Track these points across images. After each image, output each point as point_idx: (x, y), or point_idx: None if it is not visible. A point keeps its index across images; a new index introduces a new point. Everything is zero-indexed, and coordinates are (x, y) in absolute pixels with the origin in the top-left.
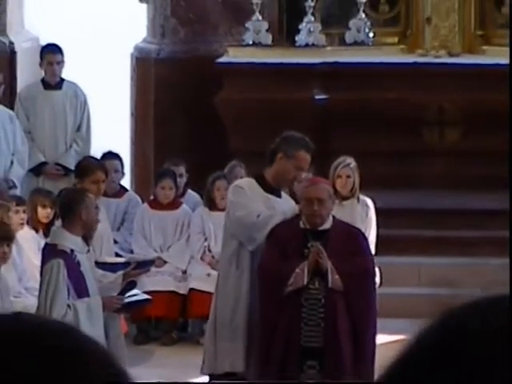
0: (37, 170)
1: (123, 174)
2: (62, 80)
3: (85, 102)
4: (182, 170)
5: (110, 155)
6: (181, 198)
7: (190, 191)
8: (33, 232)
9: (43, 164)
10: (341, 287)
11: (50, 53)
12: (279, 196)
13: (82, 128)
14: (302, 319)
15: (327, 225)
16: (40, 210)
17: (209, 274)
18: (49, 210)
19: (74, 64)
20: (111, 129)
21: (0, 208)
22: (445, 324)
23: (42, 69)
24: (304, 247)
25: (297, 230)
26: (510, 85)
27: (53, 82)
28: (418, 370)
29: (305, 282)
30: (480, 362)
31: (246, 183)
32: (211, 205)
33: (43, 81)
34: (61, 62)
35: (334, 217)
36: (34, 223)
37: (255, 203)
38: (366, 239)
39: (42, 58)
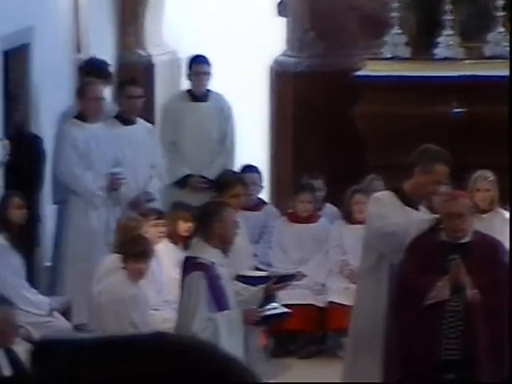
0: (182, 183)
1: (262, 187)
2: (209, 91)
3: (230, 115)
4: (320, 183)
5: (249, 168)
6: (319, 211)
7: (328, 204)
8: (172, 245)
9: (188, 176)
10: (479, 301)
11: (198, 63)
12: (417, 209)
13: (226, 140)
14: (441, 332)
15: (468, 237)
16: (181, 223)
17: (347, 288)
18: (190, 224)
19: (214, 76)
20: (250, 142)
21: (133, 221)
22: None
23: (189, 79)
24: (445, 260)
25: (438, 242)
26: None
27: (200, 93)
28: None
29: (446, 296)
30: None
31: (386, 195)
32: (349, 218)
33: (189, 92)
34: (208, 73)
35: (475, 230)
36: (175, 237)
37: (394, 214)
38: (505, 251)
39: (189, 68)
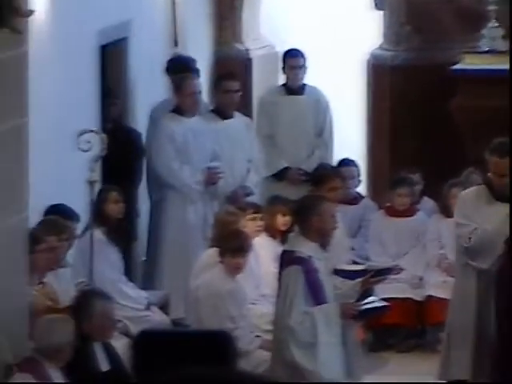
0: (279, 176)
1: (359, 180)
2: (304, 85)
3: (327, 107)
4: (417, 177)
5: (347, 162)
6: (416, 205)
7: (425, 198)
8: (270, 239)
9: (286, 169)
10: None
11: (293, 57)
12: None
13: (324, 133)
14: None
15: None
16: (279, 217)
17: (445, 281)
18: (287, 218)
19: (311, 70)
20: (348, 135)
21: (232, 216)
22: None
23: (285, 73)
24: None
25: None
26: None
27: (295, 87)
28: None
29: None
30: None
31: (473, 192)
32: (447, 212)
33: (285, 86)
34: (303, 67)
35: None
36: (272, 231)
37: (478, 214)
38: None
39: (284, 62)
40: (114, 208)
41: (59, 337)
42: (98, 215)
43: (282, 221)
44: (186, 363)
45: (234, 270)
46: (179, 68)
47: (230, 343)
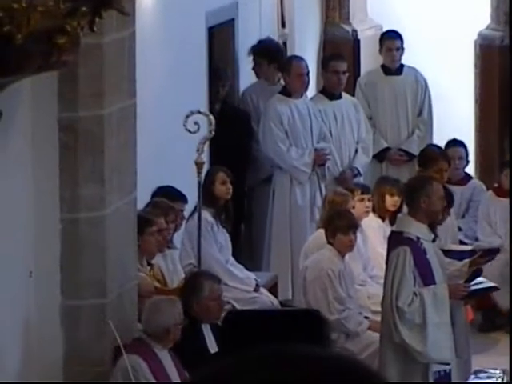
0: (380, 156)
1: (468, 161)
2: (402, 66)
3: (425, 87)
4: None
5: (455, 143)
6: None
7: None
8: (379, 220)
9: (386, 150)
10: None
11: (390, 39)
12: None
13: (423, 113)
14: None
15: None
16: (388, 198)
17: None
18: (396, 198)
19: (418, 51)
20: (456, 116)
21: (341, 196)
22: None
23: (382, 55)
24: None
25: None
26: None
27: (392, 68)
28: None
29: None
30: None
31: None
32: None
33: (383, 66)
34: (400, 48)
35: None
36: (381, 211)
37: None
38: None
39: (381, 44)
40: (222, 189)
41: (166, 318)
42: (206, 196)
43: (391, 201)
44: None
45: (346, 247)
46: (260, 53)
47: (322, 322)
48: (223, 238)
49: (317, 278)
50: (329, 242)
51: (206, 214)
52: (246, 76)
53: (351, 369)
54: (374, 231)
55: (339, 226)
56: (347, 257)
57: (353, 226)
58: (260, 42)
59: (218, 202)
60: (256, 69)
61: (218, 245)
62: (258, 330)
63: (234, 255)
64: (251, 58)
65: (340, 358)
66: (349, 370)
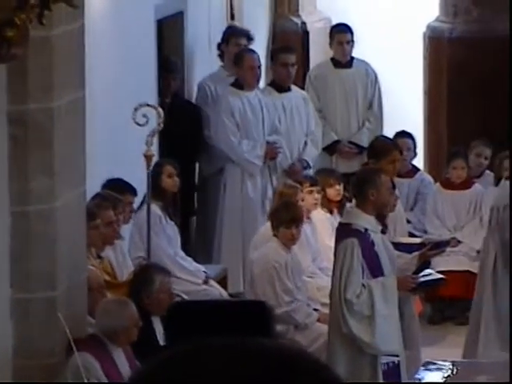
0: (330, 149)
1: (415, 153)
2: (352, 59)
3: (375, 80)
4: (488, 152)
5: (402, 134)
6: (479, 178)
7: (487, 172)
8: (326, 213)
9: (336, 142)
10: None
11: (340, 32)
12: None
13: (373, 106)
14: None
15: None
16: (328, 190)
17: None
18: (337, 187)
19: (367, 43)
20: (405, 108)
21: (291, 189)
22: None
23: (332, 48)
24: None
25: None
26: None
27: (343, 61)
28: None
29: None
30: None
31: None
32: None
33: (333, 60)
34: (350, 42)
35: None
36: (326, 203)
37: None
38: None
39: (331, 37)
40: (169, 182)
41: (118, 321)
42: (154, 189)
43: (333, 192)
44: (220, 333)
45: (289, 241)
46: (231, 34)
47: (267, 313)
48: (172, 230)
49: (263, 270)
50: (274, 235)
51: (154, 207)
52: (199, 68)
53: (298, 360)
54: (322, 224)
55: (282, 219)
56: (296, 248)
57: (296, 219)
58: (228, 29)
59: (166, 194)
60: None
61: (167, 237)
62: (202, 321)
63: (185, 247)
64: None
65: (285, 349)
66: (296, 361)
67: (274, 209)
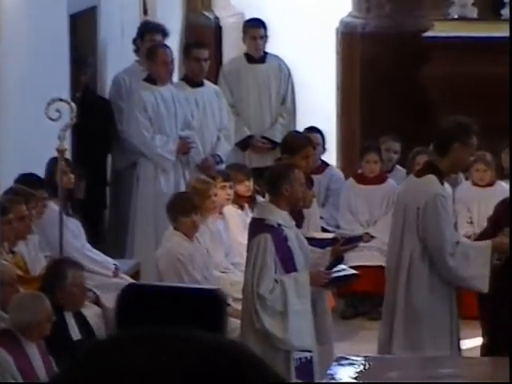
0: (243, 144)
1: (324, 149)
2: (266, 54)
3: (288, 75)
4: (397, 146)
5: (311, 129)
6: (389, 173)
7: (397, 166)
8: (237, 209)
9: (249, 138)
10: None
11: (253, 27)
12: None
13: (286, 101)
14: None
15: None
16: (238, 186)
17: None
18: (247, 183)
19: (281, 38)
20: (318, 103)
21: (204, 184)
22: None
23: (245, 43)
24: None
25: None
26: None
27: (256, 56)
28: None
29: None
30: None
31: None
32: None
33: (246, 55)
34: (263, 37)
35: None
36: (236, 199)
37: None
38: None
39: (245, 32)
40: (64, 179)
41: (32, 315)
42: (50, 186)
43: (243, 187)
44: (174, 319)
45: (191, 229)
46: (147, 30)
47: (219, 302)
48: (74, 225)
49: (169, 265)
50: (175, 228)
51: (52, 204)
52: (111, 62)
53: (242, 358)
54: (234, 219)
55: (179, 209)
56: (208, 243)
57: (193, 206)
58: (143, 24)
59: (64, 191)
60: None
61: (71, 232)
62: (155, 305)
63: (97, 241)
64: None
65: (228, 345)
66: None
67: (169, 202)
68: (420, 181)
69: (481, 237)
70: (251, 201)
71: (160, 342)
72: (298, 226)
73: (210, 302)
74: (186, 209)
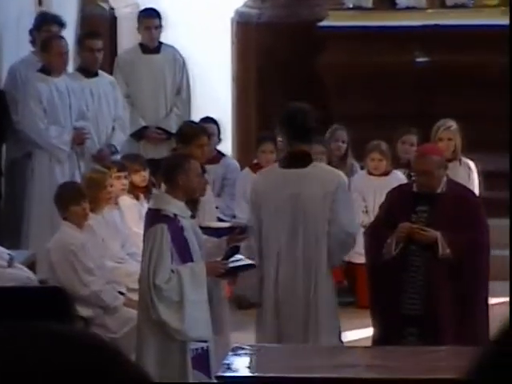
0: (138, 135)
1: (220, 139)
2: (161, 44)
3: (183, 65)
4: None
5: (206, 119)
6: None
7: None
8: (133, 200)
9: (144, 128)
10: (450, 259)
11: (148, 17)
12: None
13: (181, 91)
14: (402, 287)
15: (440, 189)
16: (133, 175)
17: None
18: (142, 173)
19: (176, 28)
20: (214, 93)
21: (99, 174)
22: None
23: (140, 33)
24: (412, 211)
25: (409, 193)
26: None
27: (151, 47)
28: None
29: (393, 253)
30: None
31: None
32: None
33: (141, 45)
34: (158, 27)
35: (449, 179)
36: (131, 189)
37: None
38: (478, 203)
39: (139, 22)
40: None
41: None
42: None
43: (138, 178)
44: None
45: (82, 217)
46: (47, 24)
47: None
48: None
49: (61, 256)
50: (64, 218)
51: None
52: (6, 53)
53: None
54: (129, 210)
55: (68, 198)
56: (104, 233)
57: (82, 194)
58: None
59: None
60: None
61: None
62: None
63: None
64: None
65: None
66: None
67: (56, 193)
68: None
69: (373, 223)
70: (147, 191)
71: (9, 337)
72: (194, 216)
73: (54, 300)
74: (75, 197)
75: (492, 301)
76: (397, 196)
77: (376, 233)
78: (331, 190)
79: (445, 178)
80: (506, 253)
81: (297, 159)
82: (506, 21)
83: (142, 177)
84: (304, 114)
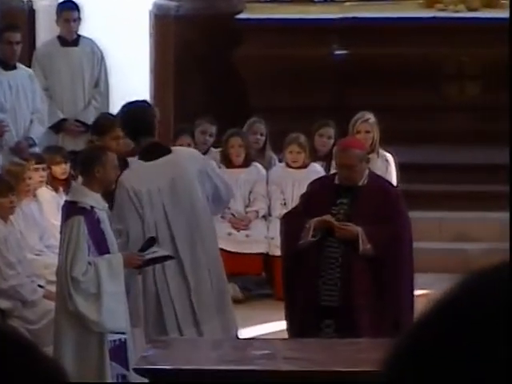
0: (56, 127)
1: None
2: (79, 36)
3: (102, 58)
4: (213, 129)
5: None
6: (204, 155)
7: (212, 149)
8: (52, 192)
9: (62, 121)
10: (371, 254)
11: (67, 10)
12: None
13: (99, 84)
14: (319, 278)
15: (362, 182)
16: (54, 168)
17: (230, 233)
18: (63, 166)
19: (94, 21)
20: (132, 85)
21: (18, 167)
22: (443, 314)
23: (59, 26)
24: (333, 204)
25: (331, 185)
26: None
27: (69, 39)
28: (417, 363)
29: (309, 238)
30: (483, 352)
31: None
32: (226, 162)
33: (59, 38)
34: (77, 19)
35: (371, 172)
36: (51, 181)
37: None
38: (401, 199)
39: (58, 14)
40: None
41: None
42: None
43: (58, 170)
44: None
45: (9, 210)
46: None
47: None
48: None
49: None
50: None
51: None
52: None
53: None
54: (48, 202)
55: None
56: (22, 226)
57: (9, 187)
58: None
59: None
60: None
61: None
62: None
63: None
64: None
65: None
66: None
67: None
68: None
69: (291, 211)
70: (66, 184)
71: None
72: (111, 208)
73: None
74: (2, 190)
75: (417, 292)
76: (318, 187)
77: (293, 220)
78: (201, 164)
79: (367, 171)
80: (421, 245)
81: (157, 149)
82: (423, 14)
83: (62, 169)
84: (143, 110)
